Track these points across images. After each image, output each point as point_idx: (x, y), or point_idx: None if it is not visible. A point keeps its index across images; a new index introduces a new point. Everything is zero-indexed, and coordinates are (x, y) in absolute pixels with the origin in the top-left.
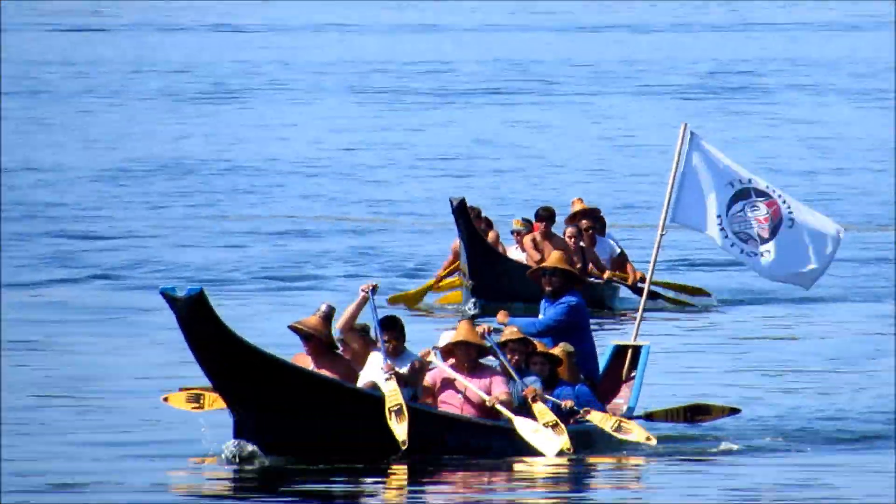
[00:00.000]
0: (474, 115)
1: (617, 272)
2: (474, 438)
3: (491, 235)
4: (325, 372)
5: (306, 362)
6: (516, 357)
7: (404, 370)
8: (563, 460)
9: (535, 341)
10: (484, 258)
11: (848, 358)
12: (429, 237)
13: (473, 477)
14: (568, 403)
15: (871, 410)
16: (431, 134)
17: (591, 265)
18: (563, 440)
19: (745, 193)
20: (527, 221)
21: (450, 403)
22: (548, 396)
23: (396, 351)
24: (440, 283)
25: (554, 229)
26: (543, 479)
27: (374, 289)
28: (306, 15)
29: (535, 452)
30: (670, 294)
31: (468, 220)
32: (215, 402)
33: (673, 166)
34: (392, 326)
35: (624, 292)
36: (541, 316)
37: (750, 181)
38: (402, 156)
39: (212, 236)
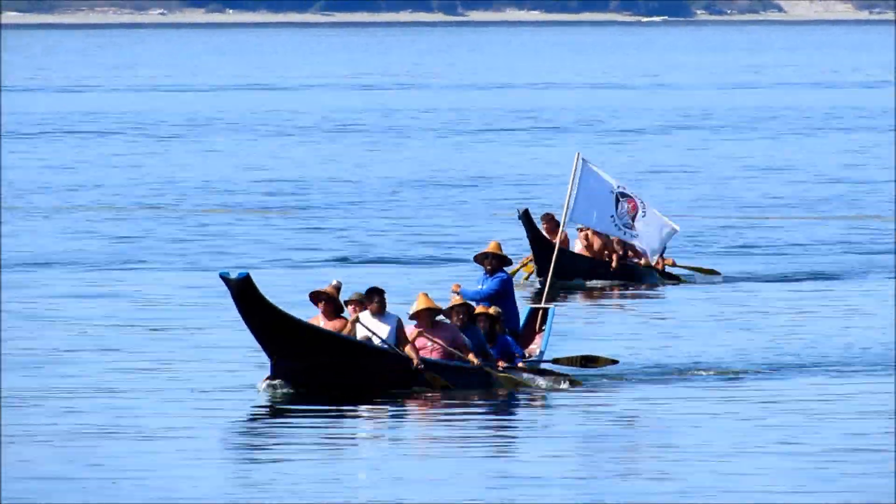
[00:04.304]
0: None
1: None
2: (453, 376)
3: (560, 233)
4: (332, 325)
5: (318, 321)
6: (461, 317)
7: (386, 330)
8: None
9: (476, 306)
10: (543, 251)
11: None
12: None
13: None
14: (501, 363)
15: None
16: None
17: (630, 252)
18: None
19: (618, 197)
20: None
21: (422, 349)
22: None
23: (381, 310)
24: (525, 265)
25: None
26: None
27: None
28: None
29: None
30: (682, 272)
31: (532, 224)
32: None
33: (570, 183)
34: (376, 293)
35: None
36: (479, 286)
37: (619, 187)
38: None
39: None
